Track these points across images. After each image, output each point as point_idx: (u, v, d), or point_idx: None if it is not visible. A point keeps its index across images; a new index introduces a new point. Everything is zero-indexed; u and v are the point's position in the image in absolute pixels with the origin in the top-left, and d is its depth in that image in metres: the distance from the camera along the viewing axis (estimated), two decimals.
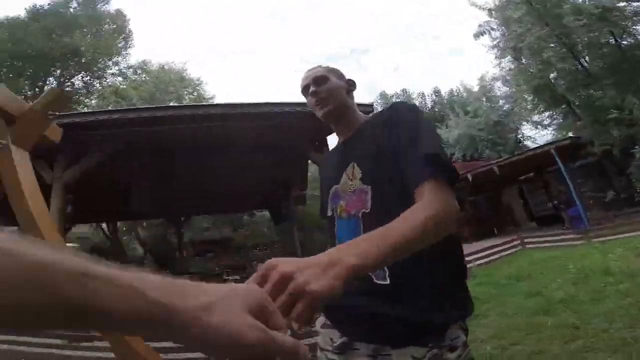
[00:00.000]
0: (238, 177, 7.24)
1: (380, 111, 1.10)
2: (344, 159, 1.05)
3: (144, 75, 21.53)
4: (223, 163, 6.24)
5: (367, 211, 0.95)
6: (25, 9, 18.10)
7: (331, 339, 1.02)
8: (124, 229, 16.85)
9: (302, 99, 1.20)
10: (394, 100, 28.20)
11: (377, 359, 0.98)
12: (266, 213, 15.74)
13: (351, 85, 1.13)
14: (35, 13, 17.91)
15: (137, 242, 17.19)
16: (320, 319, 1.10)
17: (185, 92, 21.56)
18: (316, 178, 16.07)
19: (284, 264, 0.50)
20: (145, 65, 22.17)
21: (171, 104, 16.00)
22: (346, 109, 1.09)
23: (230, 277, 7.31)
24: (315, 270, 0.52)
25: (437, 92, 29.27)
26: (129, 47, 20.96)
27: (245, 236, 17.65)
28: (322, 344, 1.05)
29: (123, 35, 20.48)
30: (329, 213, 1.09)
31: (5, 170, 1.63)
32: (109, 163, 4.74)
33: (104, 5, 19.90)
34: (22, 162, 1.68)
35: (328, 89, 1.06)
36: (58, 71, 19.07)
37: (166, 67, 22.35)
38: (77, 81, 19.48)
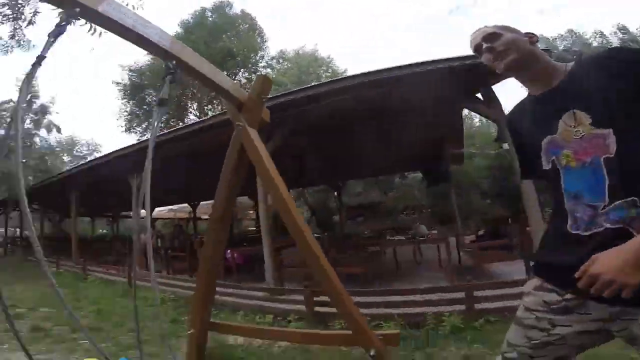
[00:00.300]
0: (392, 140, 7.33)
1: (592, 56, 1.02)
2: (555, 108, 0.99)
3: (285, 63, 24.01)
4: (377, 128, 6.41)
5: (610, 156, 0.89)
6: (178, 24, 21.65)
7: (544, 301, 1.01)
8: (294, 195, 19.45)
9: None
10: (558, 43, 23.39)
11: (615, 322, 0.89)
12: (418, 175, 15.39)
13: (532, 37, 1.08)
14: (186, 27, 21.33)
15: (305, 207, 19.54)
16: (533, 282, 1.08)
17: (321, 71, 23.23)
18: (471, 135, 14.76)
19: (605, 273, 0.78)
20: (284, 54, 24.73)
21: (313, 83, 17.25)
22: (534, 57, 1.05)
23: (395, 237, 7.66)
24: (630, 269, 0.76)
25: (623, 29, 21.91)
26: (265, 41, 23.38)
27: (395, 199, 17.76)
28: (531, 305, 1.05)
29: (257, 31, 22.87)
30: (547, 166, 1.01)
31: (247, 146, 2.08)
32: (287, 140, 5.53)
33: (229, 9, 22.44)
34: (256, 138, 2.11)
35: (503, 42, 1.04)
36: (224, 72, 22.88)
37: (300, 52, 24.64)
38: (241, 78, 22.99)
